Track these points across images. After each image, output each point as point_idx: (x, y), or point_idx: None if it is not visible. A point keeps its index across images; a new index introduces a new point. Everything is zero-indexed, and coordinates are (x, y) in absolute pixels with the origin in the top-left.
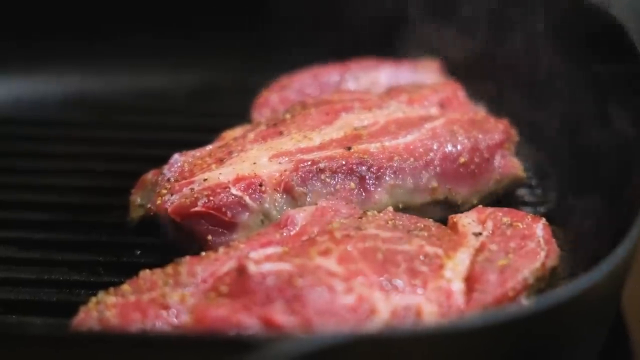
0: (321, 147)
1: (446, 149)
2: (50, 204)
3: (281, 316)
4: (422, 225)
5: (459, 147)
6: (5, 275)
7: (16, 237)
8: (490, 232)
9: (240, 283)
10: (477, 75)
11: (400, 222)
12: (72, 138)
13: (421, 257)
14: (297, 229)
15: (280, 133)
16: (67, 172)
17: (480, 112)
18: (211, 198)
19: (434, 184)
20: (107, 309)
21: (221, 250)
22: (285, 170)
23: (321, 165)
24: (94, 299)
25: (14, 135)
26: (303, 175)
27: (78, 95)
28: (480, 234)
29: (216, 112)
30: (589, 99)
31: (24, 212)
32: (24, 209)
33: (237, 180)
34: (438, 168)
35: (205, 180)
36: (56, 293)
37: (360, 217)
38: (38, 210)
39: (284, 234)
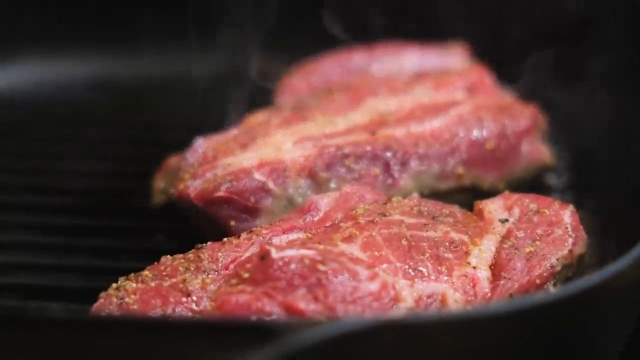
0: (346, 132)
1: (473, 135)
2: (73, 188)
3: (304, 303)
4: (448, 212)
5: (485, 133)
6: (27, 260)
7: (38, 221)
8: (517, 218)
9: (262, 269)
10: (508, 60)
11: (426, 208)
12: (96, 122)
13: (446, 244)
14: (321, 214)
15: (305, 118)
16: (90, 157)
17: (507, 97)
18: (234, 183)
19: (460, 170)
20: (127, 295)
21: (243, 236)
22: (309, 156)
23: (346, 150)
24: (114, 285)
25: (38, 118)
26: (327, 161)
27: (102, 79)
28: (506, 220)
29: (240, 97)
30: (622, 85)
31: (46, 196)
32: (47, 193)
33: (261, 165)
34: (464, 154)
35: (228, 165)
36: (78, 278)
37: (385, 203)
38: (60, 194)
39: (307, 219)
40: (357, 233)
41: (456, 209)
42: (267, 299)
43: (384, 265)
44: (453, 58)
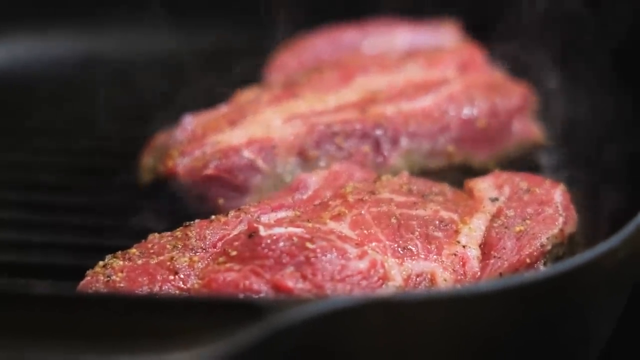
0: (336, 110)
1: (463, 113)
2: (61, 166)
3: (292, 281)
4: (438, 190)
5: (476, 111)
6: (14, 237)
7: (25, 199)
8: (507, 197)
9: (250, 247)
10: (502, 37)
11: (415, 187)
12: (85, 99)
13: (436, 223)
14: (310, 192)
15: (295, 95)
16: (78, 134)
17: (499, 75)
18: (223, 161)
19: (451, 148)
20: (114, 273)
21: (231, 213)
22: (299, 134)
23: (335, 128)
24: (100, 263)
25: (26, 95)
26: (317, 139)
27: (92, 56)
28: (496, 199)
29: (230, 74)
30: (612, 63)
31: (34, 173)
32: (35, 170)
33: (250, 142)
34: (455, 132)
35: (217, 142)
36: (65, 256)
37: (375, 182)
38: (48, 172)
39: (296, 197)
40: (346, 211)
41: (446, 188)
42: (255, 277)
43: (373, 244)
44: (445, 36)
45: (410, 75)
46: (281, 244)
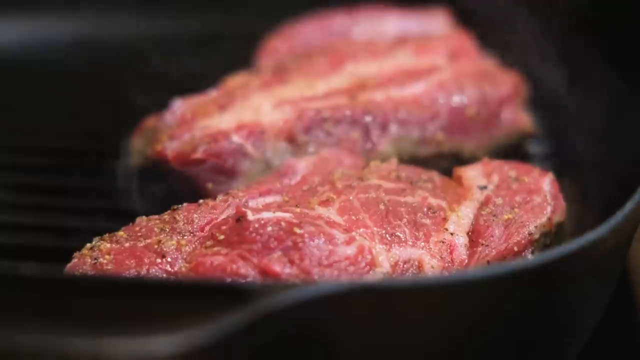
0: (326, 96)
1: (453, 101)
2: (50, 148)
3: (279, 266)
4: (426, 177)
5: (466, 99)
6: (2, 219)
7: (14, 181)
8: (496, 185)
9: (238, 232)
10: (491, 25)
11: (404, 174)
12: (75, 82)
13: (424, 210)
14: (298, 178)
15: (285, 81)
16: (67, 116)
17: (489, 63)
18: (212, 145)
19: (440, 136)
20: (101, 255)
21: (219, 198)
22: (288, 119)
23: (325, 114)
24: (88, 245)
25: (18, 77)
26: (306, 124)
27: (82, 39)
28: (485, 187)
29: (220, 58)
30: (602, 52)
31: (23, 156)
32: (24, 153)
33: (239, 127)
34: (444, 120)
35: (206, 127)
36: (53, 238)
37: (363, 168)
38: (37, 154)
39: (284, 182)
40: (335, 197)
41: (435, 175)
42: (243, 262)
43: (361, 230)
44: (435, 23)
45: (400, 62)
46: (269, 228)
